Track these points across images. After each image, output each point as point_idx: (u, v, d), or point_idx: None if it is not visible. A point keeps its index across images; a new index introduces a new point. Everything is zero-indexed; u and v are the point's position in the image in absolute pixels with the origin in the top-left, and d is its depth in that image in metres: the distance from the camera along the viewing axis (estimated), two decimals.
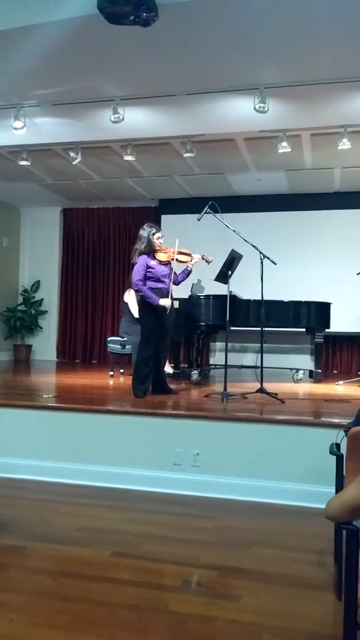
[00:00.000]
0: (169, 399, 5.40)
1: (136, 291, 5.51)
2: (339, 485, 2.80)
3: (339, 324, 8.07)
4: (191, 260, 5.63)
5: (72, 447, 4.61)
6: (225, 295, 5.63)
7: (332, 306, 7.69)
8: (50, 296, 10.77)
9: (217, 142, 6.81)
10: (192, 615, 2.47)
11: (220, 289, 5.95)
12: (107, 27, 4.34)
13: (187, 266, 5.64)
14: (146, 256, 5.43)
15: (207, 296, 7.09)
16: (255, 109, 5.57)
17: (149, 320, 5.43)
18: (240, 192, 9.09)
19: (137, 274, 5.38)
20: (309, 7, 4.33)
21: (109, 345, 7.84)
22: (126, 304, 7.66)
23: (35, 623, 2.37)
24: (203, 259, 5.71)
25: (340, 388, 6.94)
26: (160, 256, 5.48)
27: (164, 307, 5.37)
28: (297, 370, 7.74)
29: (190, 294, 7.39)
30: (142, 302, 5.49)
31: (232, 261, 5.62)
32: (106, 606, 2.52)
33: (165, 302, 5.37)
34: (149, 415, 4.61)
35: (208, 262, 5.72)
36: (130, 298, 7.54)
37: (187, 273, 5.67)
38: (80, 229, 10.78)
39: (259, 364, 5.62)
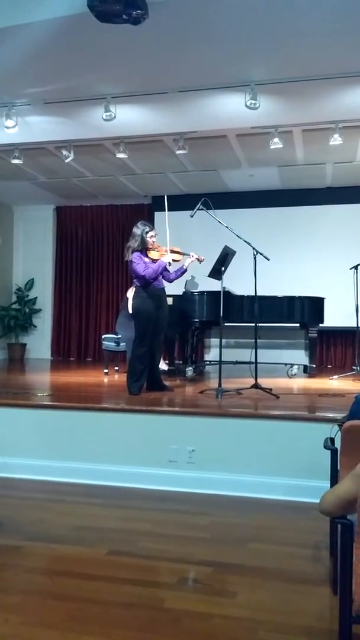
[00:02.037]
0: (163, 396, 5.41)
1: (145, 278, 5.40)
2: (334, 480, 2.81)
3: (332, 318, 8.09)
4: (189, 258, 5.63)
5: (67, 446, 4.61)
6: (219, 292, 5.63)
7: (325, 301, 7.72)
8: (44, 294, 10.75)
9: (209, 139, 6.81)
10: (188, 612, 2.47)
11: (214, 285, 5.95)
12: (97, 26, 4.33)
13: (183, 265, 5.65)
14: (139, 253, 5.42)
15: (201, 292, 7.10)
16: (246, 105, 5.57)
17: (143, 317, 5.43)
18: (233, 188, 9.09)
19: (139, 267, 5.36)
20: (299, 5, 4.33)
21: (104, 342, 7.85)
22: (127, 298, 7.63)
23: (30, 623, 2.37)
24: (197, 259, 5.70)
25: (334, 382, 6.94)
26: (153, 254, 5.49)
27: (170, 263, 5.45)
28: (292, 365, 7.75)
29: (184, 290, 7.39)
30: (136, 298, 5.50)
31: (226, 257, 5.62)
32: (102, 604, 2.51)
33: (167, 257, 5.45)
34: (144, 413, 4.61)
35: (200, 260, 5.73)
36: (131, 294, 7.52)
37: (181, 271, 5.67)
38: (74, 227, 10.76)
39: (253, 360, 5.63)
